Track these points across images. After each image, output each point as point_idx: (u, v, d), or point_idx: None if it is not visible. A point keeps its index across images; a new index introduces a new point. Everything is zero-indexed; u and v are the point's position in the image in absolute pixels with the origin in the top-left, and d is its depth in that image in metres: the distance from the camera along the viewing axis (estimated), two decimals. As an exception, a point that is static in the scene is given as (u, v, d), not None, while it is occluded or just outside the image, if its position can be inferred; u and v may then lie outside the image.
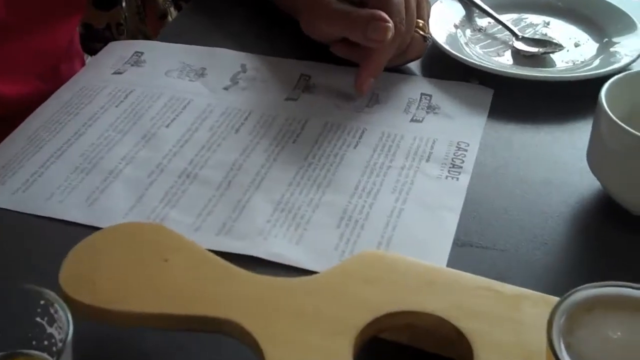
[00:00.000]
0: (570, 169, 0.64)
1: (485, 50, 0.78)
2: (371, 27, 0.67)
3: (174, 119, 0.69)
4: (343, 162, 0.64)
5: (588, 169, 0.60)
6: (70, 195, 0.61)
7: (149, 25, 1.02)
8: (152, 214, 0.59)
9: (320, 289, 0.48)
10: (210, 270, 0.49)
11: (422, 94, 0.72)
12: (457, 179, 0.62)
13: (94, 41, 1.04)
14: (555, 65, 0.76)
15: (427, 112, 0.70)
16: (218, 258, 0.50)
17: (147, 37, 1.03)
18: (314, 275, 0.49)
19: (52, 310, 0.41)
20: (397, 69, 0.75)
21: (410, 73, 0.76)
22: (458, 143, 0.66)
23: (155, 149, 0.65)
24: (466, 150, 0.65)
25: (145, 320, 0.47)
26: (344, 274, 0.48)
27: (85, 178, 0.62)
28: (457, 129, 0.68)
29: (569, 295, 0.40)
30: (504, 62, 0.77)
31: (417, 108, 0.71)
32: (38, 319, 0.42)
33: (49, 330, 0.42)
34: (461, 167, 0.63)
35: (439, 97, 0.72)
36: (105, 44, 0.83)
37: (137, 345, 0.51)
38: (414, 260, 0.50)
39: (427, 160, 0.64)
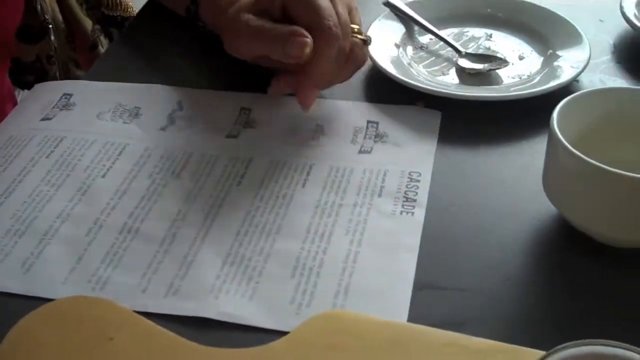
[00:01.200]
0: (527, 194, 0.61)
1: (429, 69, 0.76)
2: (289, 44, 0.64)
3: (110, 167, 0.65)
4: (292, 204, 0.61)
5: (544, 192, 0.58)
6: (4, 263, 0.56)
7: (79, 56, 0.98)
8: (93, 277, 0.55)
9: None
10: (159, 347, 0.46)
11: (368, 122, 0.70)
12: (412, 213, 0.60)
13: (24, 74, 0.99)
14: (502, 81, 0.74)
15: (375, 142, 0.67)
16: (166, 332, 0.47)
17: (79, 67, 0.99)
18: (269, 345, 0.46)
19: None
20: (339, 96, 0.72)
21: (353, 99, 0.73)
22: (410, 173, 0.64)
23: (91, 202, 0.62)
24: (418, 181, 0.63)
25: None
26: (302, 342, 0.46)
27: (19, 242, 0.58)
28: (408, 157, 0.65)
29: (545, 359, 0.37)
30: (449, 81, 0.75)
31: (365, 137, 0.68)
32: None
33: None
34: (415, 200, 0.61)
35: (385, 124, 0.69)
36: (36, 76, 0.78)
37: None
38: (375, 319, 0.47)
39: (380, 195, 0.61)
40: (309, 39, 0.65)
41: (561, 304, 0.53)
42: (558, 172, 0.56)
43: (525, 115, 0.70)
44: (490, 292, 0.54)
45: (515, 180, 0.63)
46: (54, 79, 0.94)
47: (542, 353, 0.38)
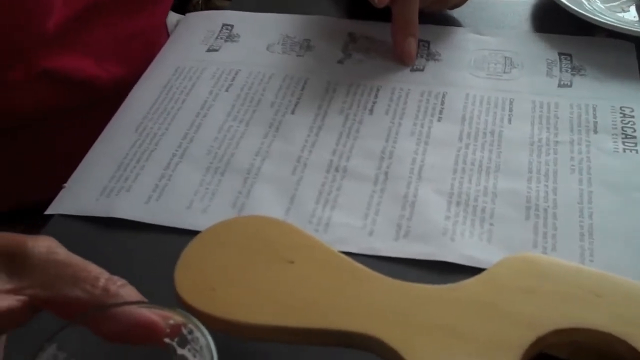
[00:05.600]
0: None
1: (607, 5, 0.71)
2: None
3: (297, 103, 0.61)
4: (503, 141, 0.57)
5: None
6: (213, 202, 0.53)
7: None
8: (312, 218, 0.52)
9: (471, 300, 0.41)
10: (343, 274, 0.42)
11: (560, 54, 0.65)
12: (637, 151, 0.56)
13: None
14: (691, 22, 0.69)
15: (573, 75, 0.63)
16: (350, 260, 0.44)
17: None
18: (461, 283, 0.43)
19: (184, 331, 0.35)
20: (513, 27, 0.67)
21: (531, 30, 0.69)
22: (621, 108, 0.59)
23: (288, 139, 0.58)
24: (633, 117, 0.59)
25: (271, 333, 0.41)
26: (495, 283, 0.42)
27: (222, 180, 0.55)
28: (614, 92, 0.61)
29: None
30: (629, 18, 0.70)
31: (561, 70, 0.64)
32: (167, 340, 0.36)
33: (180, 351, 0.36)
34: (635, 137, 0.57)
35: (579, 57, 0.65)
36: (181, 3, 0.74)
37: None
38: (572, 265, 0.43)
39: (595, 132, 0.57)
40: None
41: None
42: None
43: None
44: None
45: None
46: (196, 7, 0.89)
47: None
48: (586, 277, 0.42)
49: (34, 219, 0.69)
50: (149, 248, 0.51)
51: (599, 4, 0.71)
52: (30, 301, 0.36)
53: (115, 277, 0.38)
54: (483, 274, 0.43)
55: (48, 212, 0.53)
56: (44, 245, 0.37)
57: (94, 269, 0.38)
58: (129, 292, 0.38)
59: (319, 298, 0.42)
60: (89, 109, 0.69)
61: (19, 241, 0.37)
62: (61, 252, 0.38)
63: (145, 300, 0.38)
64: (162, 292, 0.43)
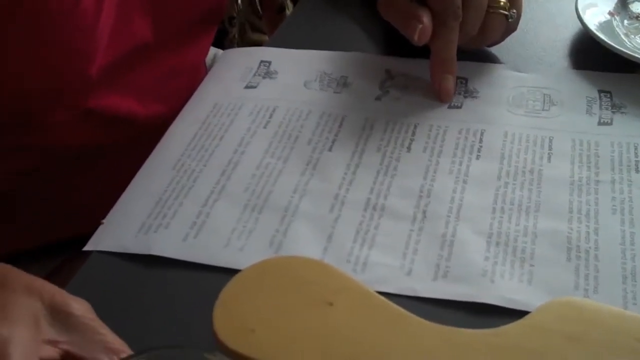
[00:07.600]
0: None
1: (647, 41, 0.71)
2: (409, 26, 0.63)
3: (334, 140, 0.61)
4: (543, 180, 0.56)
5: None
6: (250, 241, 0.53)
7: (265, 19, 0.94)
8: (350, 257, 0.51)
9: (513, 346, 0.41)
10: (382, 318, 0.43)
11: (599, 92, 0.65)
12: (680, 191, 0.55)
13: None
14: None
15: (614, 113, 0.62)
16: (389, 302, 0.44)
17: (256, 30, 0.95)
18: (503, 328, 0.42)
19: None
20: (552, 63, 0.67)
21: (570, 67, 0.68)
22: (663, 148, 0.59)
23: (325, 177, 0.58)
24: (675, 156, 0.58)
25: None
26: (538, 329, 0.42)
27: (260, 218, 0.55)
28: (655, 130, 0.60)
29: None
30: (670, 55, 0.69)
31: (600, 108, 0.63)
32: None
33: None
34: (678, 177, 0.56)
35: (619, 94, 0.64)
36: (217, 36, 0.75)
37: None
38: (617, 311, 0.42)
39: (637, 171, 0.57)
40: (422, 24, 0.62)
41: None
42: None
43: None
44: None
45: None
46: (233, 40, 0.90)
47: None
48: (630, 323, 0.42)
49: (71, 253, 0.70)
50: (187, 286, 0.51)
51: (639, 40, 0.70)
52: (64, 356, 0.38)
53: None
54: (525, 318, 0.42)
55: (87, 248, 0.53)
56: (82, 308, 0.42)
57: (119, 342, 0.41)
58: None
59: (357, 341, 0.41)
60: (128, 145, 0.70)
61: (64, 299, 0.41)
62: (95, 319, 0.42)
63: None
64: (200, 330, 0.43)
